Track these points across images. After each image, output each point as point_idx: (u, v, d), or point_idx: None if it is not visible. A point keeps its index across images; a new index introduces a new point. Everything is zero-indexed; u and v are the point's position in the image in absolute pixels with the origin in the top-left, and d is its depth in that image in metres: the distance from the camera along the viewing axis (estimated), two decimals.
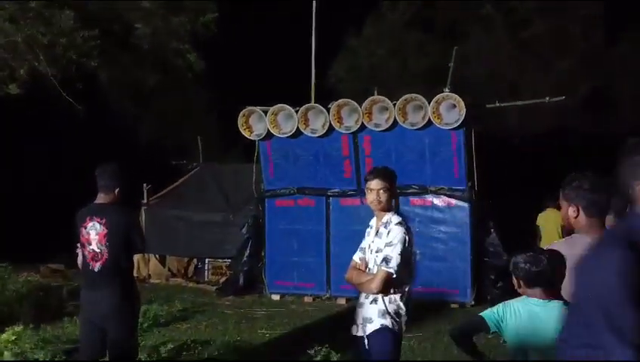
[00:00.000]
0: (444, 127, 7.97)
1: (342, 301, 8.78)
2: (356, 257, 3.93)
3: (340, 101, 8.54)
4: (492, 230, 8.38)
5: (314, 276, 8.98)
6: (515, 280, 2.99)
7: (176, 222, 10.69)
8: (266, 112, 8.82)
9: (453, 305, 8.25)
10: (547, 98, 8.32)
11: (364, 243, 3.92)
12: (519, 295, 2.99)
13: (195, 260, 11.15)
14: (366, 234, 3.95)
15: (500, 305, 3.01)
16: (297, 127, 8.66)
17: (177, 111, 16.29)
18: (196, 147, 12.13)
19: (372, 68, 15.17)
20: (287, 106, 8.72)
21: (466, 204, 8.26)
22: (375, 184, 3.77)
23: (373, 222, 3.92)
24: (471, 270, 8.21)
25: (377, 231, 3.79)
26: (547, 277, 2.91)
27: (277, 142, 9.01)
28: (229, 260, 10.19)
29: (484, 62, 13.69)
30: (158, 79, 14.87)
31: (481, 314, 3.02)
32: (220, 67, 15.94)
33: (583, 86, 13.36)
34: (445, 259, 8.35)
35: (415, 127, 8.12)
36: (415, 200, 8.53)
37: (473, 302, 8.19)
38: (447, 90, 8.09)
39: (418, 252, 8.41)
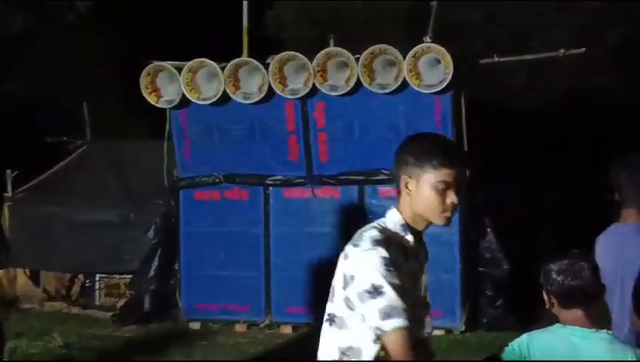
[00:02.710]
0: (424, 91, 8.06)
1: (287, 329, 8.86)
2: (404, 323, 2.62)
3: (284, 54, 8.54)
4: (488, 229, 8.55)
5: (248, 296, 9.02)
6: (545, 297, 2.96)
7: (54, 223, 10.50)
8: (180, 70, 8.76)
9: (437, 332, 8.33)
10: (562, 50, 8.50)
11: (406, 282, 2.75)
12: (536, 321, 2.96)
13: (81, 277, 10.99)
14: (402, 264, 2.76)
15: (524, 337, 2.95)
16: (224, 91, 8.62)
17: (54, 68, 15.96)
18: (82, 118, 11.93)
19: (329, 9, 15.16)
20: (210, 61, 8.67)
21: None
22: (465, 175, 2.80)
23: (404, 240, 2.84)
24: (460, 283, 8.35)
25: (418, 255, 2.97)
26: (590, 295, 2.88)
27: (196, 110, 8.97)
28: (130, 276, 10.11)
29: (479, 2, 13.86)
30: (27, 24, 14.52)
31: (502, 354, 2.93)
32: (113, 7, 15.64)
33: (612, 33, 13.64)
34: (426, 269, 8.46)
35: (386, 91, 8.18)
36: (385, 189, 8.58)
37: (464, 327, 8.34)
38: (428, 39, 8.17)
39: None
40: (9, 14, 13.41)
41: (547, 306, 2.97)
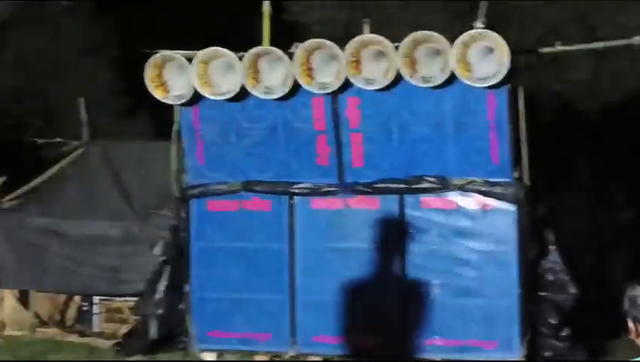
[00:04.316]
0: (475, 84, 8.03)
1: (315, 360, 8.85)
2: None
3: (311, 42, 8.54)
4: (552, 247, 8.52)
5: (270, 323, 9.03)
6: (631, 325, 3.01)
7: (46, 237, 10.62)
8: (191, 60, 8.79)
9: None
10: (638, 38, 8.45)
11: None
12: (609, 353, 3.01)
13: (77, 299, 11.08)
14: None
15: None
16: (242, 85, 8.65)
17: (45, 58, 16.14)
18: (77, 116, 12.03)
19: None
20: (226, 51, 8.69)
21: (510, 207, 8.36)
22: None
23: None
24: (519, 310, 8.32)
25: None
26: None
27: (209, 107, 8.99)
28: (134, 299, 10.16)
29: None
30: (14, 7, 14.70)
31: None
32: None
33: None
34: (479, 294, 8.45)
35: (430, 84, 8.16)
36: (430, 200, 8.61)
37: (523, 360, 8.31)
38: (480, 25, 8.16)
39: (436, 283, 8.52)
40: None
41: (632, 336, 3.00)
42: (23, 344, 9.90)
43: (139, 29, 14.45)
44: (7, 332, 10.65)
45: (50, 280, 10.73)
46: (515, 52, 7.95)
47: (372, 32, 8.53)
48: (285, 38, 9.16)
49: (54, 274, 10.64)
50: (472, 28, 8.10)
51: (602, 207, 9.64)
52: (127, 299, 10.44)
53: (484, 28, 8.09)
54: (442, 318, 8.43)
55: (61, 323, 10.95)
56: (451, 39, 8.00)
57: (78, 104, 12.07)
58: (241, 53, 8.64)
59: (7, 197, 11.09)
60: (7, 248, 10.51)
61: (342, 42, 8.39)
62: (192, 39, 9.06)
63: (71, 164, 11.69)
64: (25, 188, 11.35)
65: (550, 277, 8.49)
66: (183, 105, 9.07)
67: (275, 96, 8.64)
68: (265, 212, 9.11)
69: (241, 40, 8.86)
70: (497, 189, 8.38)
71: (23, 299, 11.03)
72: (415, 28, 8.36)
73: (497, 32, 7.98)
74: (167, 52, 8.92)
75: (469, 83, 8.03)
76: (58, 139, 12.30)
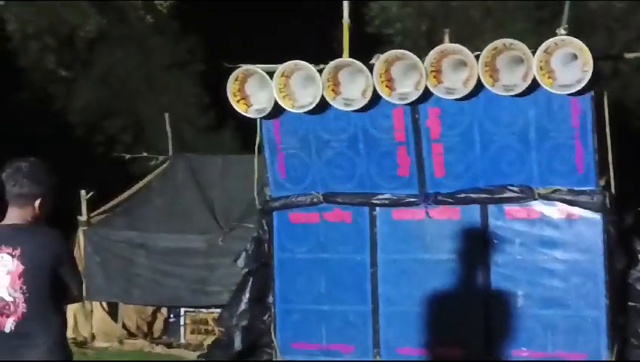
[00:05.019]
0: (559, 92, 7.91)
1: None
2: None
3: (390, 53, 8.52)
4: None
5: (353, 334, 9.01)
6: None
7: (133, 250, 10.81)
8: (271, 74, 8.86)
9: None
10: None
11: None
12: None
13: (164, 311, 11.23)
14: None
15: None
16: (322, 97, 8.67)
17: (131, 74, 16.46)
18: (163, 130, 12.22)
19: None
20: (306, 64, 8.72)
21: (597, 216, 8.20)
22: None
23: None
24: (607, 321, 8.16)
25: None
26: None
27: (290, 120, 9.03)
28: (219, 310, 10.26)
29: None
30: (102, 25, 15.03)
31: None
32: (197, 6, 16.01)
33: None
34: (565, 305, 8.30)
35: (512, 93, 8.06)
36: (514, 209, 8.49)
37: None
38: (562, 31, 8.04)
39: (520, 294, 8.40)
40: (84, 17, 13.88)
41: None
42: (112, 355, 10.09)
43: (220, 43, 14.63)
44: (97, 343, 10.84)
45: (137, 293, 10.92)
46: (599, 58, 7.83)
47: (454, 41, 8.50)
48: (367, 49, 9.16)
49: (141, 286, 10.83)
50: (554, 35, 8.00)
51: None
52: (213, 310, 10.53)
53: (567, 34, 7.98)
54: (528, 329, 8.33)
55: (149, 335, 11.12)
56: (533, 47, 7.92)
57: (164, 119, 12.27)
58: (322, 66, 8.68)
59: (96, 212, 11.30)
60: (96, 261, 10.74)
61: (421, 53, 8.38)
62: (274, 52, 9.12)
63: (157, 177, 11.89)
64: (112, 203, 11.58)
65: (639, 287, 8.31)
66: (264, 118, 9.12)
67: (355, 108, 8.64)
68: (346, 223, 9.10)
69: (323, 52, 8.89)
70: (582, 198, 8.22)
71: (112, 311, 11.22)
72: (498, 35, 8.28)
73: (583, 38, 7.86)
74: (249, 66, 9.00)
75: (551, 90, 7.92)
76: (144, 154, 12.52)
